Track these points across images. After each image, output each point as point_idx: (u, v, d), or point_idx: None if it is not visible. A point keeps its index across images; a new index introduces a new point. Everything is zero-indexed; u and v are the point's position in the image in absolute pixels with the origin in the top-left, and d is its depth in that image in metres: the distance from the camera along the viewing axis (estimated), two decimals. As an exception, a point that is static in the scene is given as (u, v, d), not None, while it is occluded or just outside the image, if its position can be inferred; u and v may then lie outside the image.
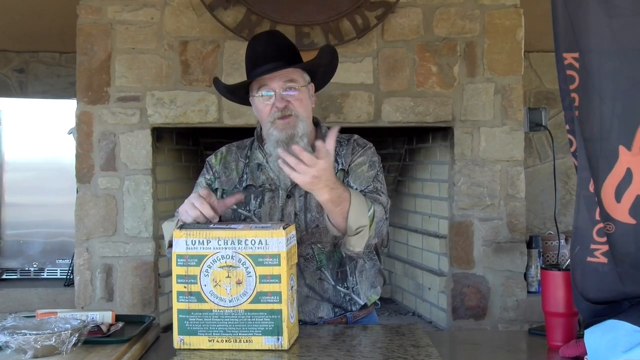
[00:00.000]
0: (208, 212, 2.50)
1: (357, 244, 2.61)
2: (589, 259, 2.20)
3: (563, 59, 2.22)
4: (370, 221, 2.59)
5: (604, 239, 2.17)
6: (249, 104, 2.96)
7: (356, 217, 2.55)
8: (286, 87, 2.74)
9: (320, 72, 2.92)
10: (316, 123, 2.90)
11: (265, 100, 2.75)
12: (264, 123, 2.78)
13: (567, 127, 2.24)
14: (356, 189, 2.74)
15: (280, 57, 2.77)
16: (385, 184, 2.83)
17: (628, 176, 2.16)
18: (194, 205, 2.50)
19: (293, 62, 2.79)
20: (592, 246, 2.19)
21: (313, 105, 2.87)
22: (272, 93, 2.73)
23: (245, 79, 2.84)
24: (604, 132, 2.18)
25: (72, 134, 4.97)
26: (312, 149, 2.72)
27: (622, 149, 2.16)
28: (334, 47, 2.96)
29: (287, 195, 2.78)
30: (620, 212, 2.16)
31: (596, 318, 2.18)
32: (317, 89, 2.96)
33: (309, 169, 2.38)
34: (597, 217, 2.18)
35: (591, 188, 2.19)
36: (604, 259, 2.18)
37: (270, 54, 2.78)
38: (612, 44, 2.18)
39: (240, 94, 2.90)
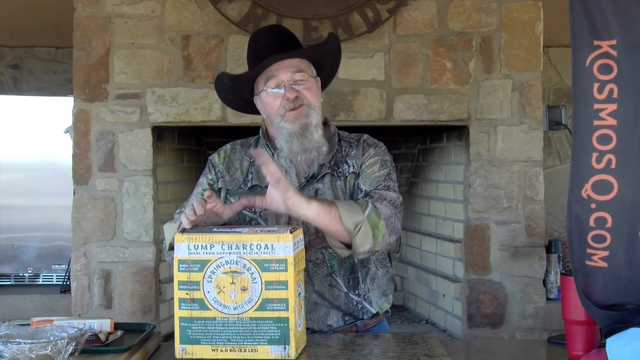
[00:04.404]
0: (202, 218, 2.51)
1: (363, 242, 2.58)
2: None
3: (595, 47, 2.19)
4: (375, 220, 2.59)
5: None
6: (247, 110, 2.98)
7: (349, 216, 2.55)
8: (295, 77, 2.75)
9: (327, 65, 2.92)
10: (324, 122, 2.90)
11: (275, 94, 2.75)
12: (274, 117, 2.77)
13: (599, 122, 2.20)
14: (366, 190, 2.75)
15: (286, 48, 2.78)
16: (397, 183, 2.82)
17: None
18: (193, 211, 2.49)
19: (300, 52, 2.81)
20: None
21: (322, 99, 2.87)
22: (281, 90, 2.73)
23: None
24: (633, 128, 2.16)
25: (68, 133, 4.98)
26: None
27: None
28: (338, 37, 2.97)
29: (294, 196, 2.76)
30: None
31: (614, 325, 2.18)
32: (322, 86, 2.96)
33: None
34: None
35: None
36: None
37: (275, 45, 2.79)
38: (637, 37, 2.17)
39: (244, 92, 2.89)
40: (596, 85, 2.18)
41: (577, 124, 2.23)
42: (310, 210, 2.51)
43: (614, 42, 2.17)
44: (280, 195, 2.48)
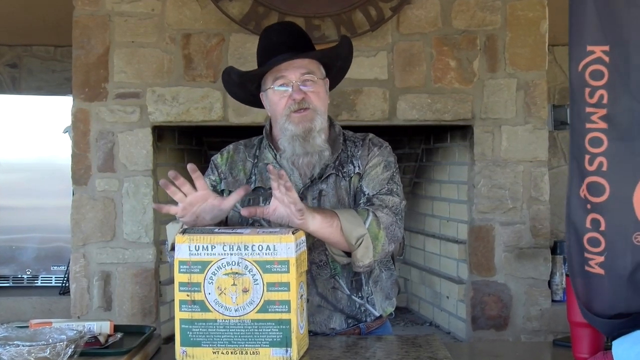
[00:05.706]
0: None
1: (363, 256, 2.60)
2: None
3: (588, 53, 2.20)
4: (376, 231, 2.60)
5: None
6: (252, 104, 2.97)
7: (351, 228, 2.56)
8: (304, 78, 2.74)
9: (336, 67, 2.92)
10: (329, 122, 2.89)
11: (281, 93, 2.74)
12: (279, 117, 2.77)
13: (591, 125, 2.21)
14: (369, 193, 2.75)
15: (297, 47, 2.77)
16: (401, 185, 2.82)
17: None
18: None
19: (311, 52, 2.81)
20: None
21: (328, 101, 2.87)
22: (289, 87, 2.73)
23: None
24: (636, 130, 2.16)
25: (67, 133, 4.98)
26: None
27: None
28: (350, 40, 2.96)
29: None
30: None
31: (620, 331, 2.17)
32: (330, 87, 2.95)
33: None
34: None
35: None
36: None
37: (286, 43, 2.78)
38: (630, 43, 2.17)
39: (251, 87, 2.88)
40: (587, 90, 2.19)
41: (573, 126, 2.25)
42: (314, 224, 2.51)
43: (606, 47, 2.18)
44: (289, 209, 2.47)
